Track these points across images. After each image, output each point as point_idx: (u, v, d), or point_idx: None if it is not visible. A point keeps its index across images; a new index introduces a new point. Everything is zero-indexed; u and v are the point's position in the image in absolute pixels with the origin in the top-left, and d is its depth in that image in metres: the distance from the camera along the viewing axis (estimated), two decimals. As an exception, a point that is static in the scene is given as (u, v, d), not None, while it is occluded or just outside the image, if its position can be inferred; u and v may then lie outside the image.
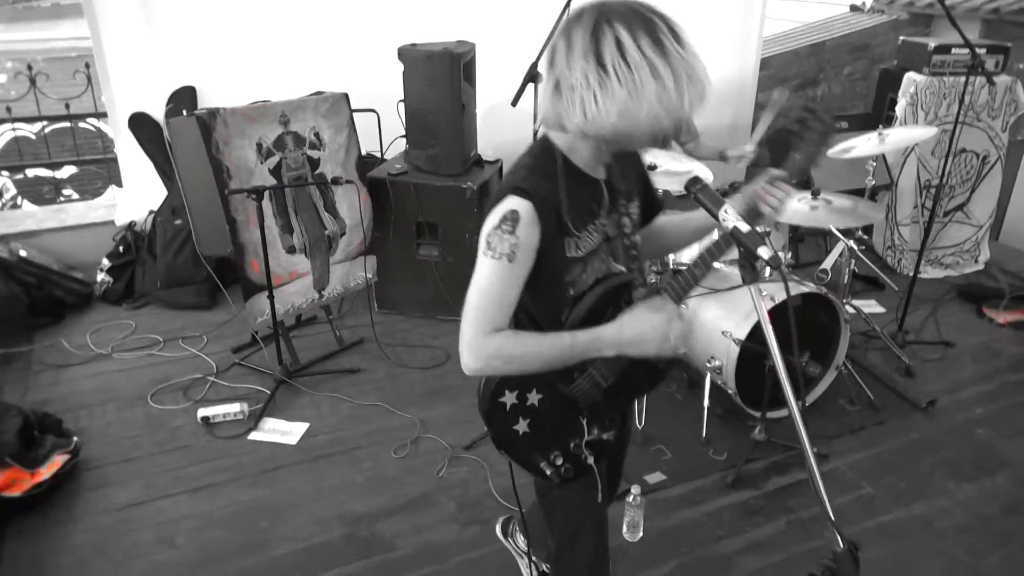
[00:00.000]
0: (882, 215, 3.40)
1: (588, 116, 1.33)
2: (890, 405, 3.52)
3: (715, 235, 1.56)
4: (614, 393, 1.63)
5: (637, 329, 1.44)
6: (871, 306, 4.42)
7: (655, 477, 3.05)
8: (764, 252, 1.31)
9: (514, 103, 2.85)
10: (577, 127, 1.37)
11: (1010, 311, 4.33)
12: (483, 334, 1.39)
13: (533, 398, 1.56)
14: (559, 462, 1.61)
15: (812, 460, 1.38)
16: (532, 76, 2.81)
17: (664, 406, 3.48)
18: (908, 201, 4.79)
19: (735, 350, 3.12)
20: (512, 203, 1.38)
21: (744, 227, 1.32)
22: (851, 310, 4.01)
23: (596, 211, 1.51)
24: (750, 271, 1.39)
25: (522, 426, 1.57)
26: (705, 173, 3.25)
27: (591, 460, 1.65)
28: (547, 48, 1.40)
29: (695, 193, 1.37)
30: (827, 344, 3.41)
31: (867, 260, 3.95)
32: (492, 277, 1.39)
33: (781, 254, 3.51)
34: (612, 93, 1.30)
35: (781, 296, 3.14)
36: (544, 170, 1.44)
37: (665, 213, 1.77)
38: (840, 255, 3.69)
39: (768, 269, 3.38)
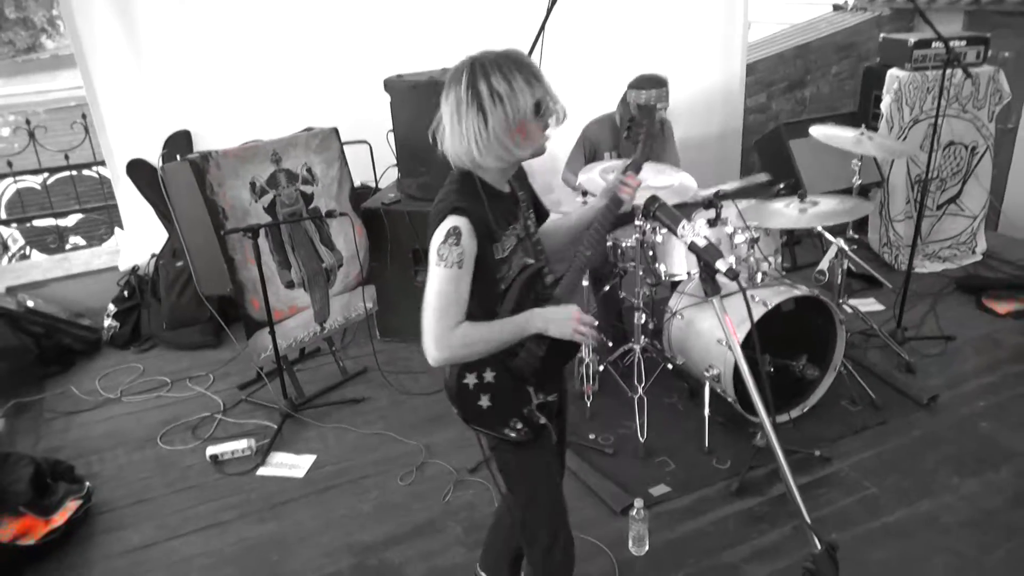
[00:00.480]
0: (872, 208, 3.42)
1: (475, 146, 1.67)
2: (892, 403, 3.53)
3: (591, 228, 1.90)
4: (547, 361, 1.89)
5: (554, 315, 1.79)
6: (870, 304, 4.43)
7: (659, 489, 3.06)
8: (721, 264, 1.35)
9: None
10: (473, 157, 1.70)
11: (1010, 300, 4.33)
12: (449, 328, 1.69)
13: (488, 376, 1.83)
14: (519, 426, 1.88)
15: (783, 464, 1.42)
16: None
17: (666, 417, 3.51)
18: (900, 197, 4.81)
19: (730, 357, 3.14)
20: (453, 220, 1.67)
21: (702, 242, 1.36)
22: (848, 310, 4.03)
23: (510, 218, 1.82)
24: (711, 283, 1.43)
25: (484, 401, 1.84)
26: (689, 182, 3.29)
27: (543, 420, 1.92)
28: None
29: (654, 211, 1.42)
30: (825, 346, 3.43)
31: (858, 259, 3.96)
32: (447, 282, 1.67)
33: (772, 259, 3.54)
34: (477, 125, 1.65)
35: (773, 301, 3.17)
36: (469, 191, 1.74)
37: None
38: (833, 256, 3.71)
39: (760, 274, 3.41)
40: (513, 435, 1.89)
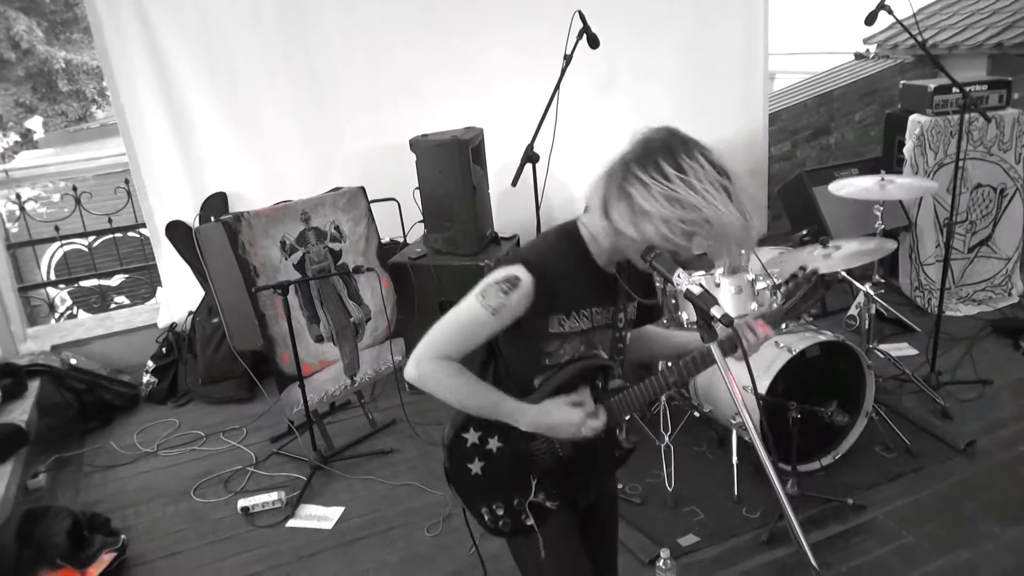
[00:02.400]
0: (894, 245, 3.41)
1: (629, 223, 1.49)
2: (927, 449, 3.45)
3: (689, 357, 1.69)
4: (571, 467, 1.71)
5: (555, 419, 1.61)
6: (903, 349, 4.37)
7: (688, 539, 3.02)
8: (716, 311, 1.38)
9: (514, 183, 2.99)
10: (615, 225, 1.51)
11: (1048, 342, 4.23)
12: (436, 356, 1.57)
13: (493, 443, 1.68)
14: (499, 512, 1.70)
15: (788, 507, 1.42)
16: (529, 157, 2.95)
17: (694, 465, 3.47)
18: (930, 240, 4.78)
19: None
20: (518, 271, 1.54)
21: (696, 289, 1.40)
22: (880, 355, 3.98)
23: (594, 299, 1.65)
24: (707, 330, 1.46)
25: (476, 466, 1.68)
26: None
27: (530, 522, 1.71)
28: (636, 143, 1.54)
29: (650, 260, 1.46)
30: (855, 392, 3.38)
31: (886, 304, 3.94)
32: (471, 319, 1.56)
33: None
34: (657, 213, 1.45)
35: (798, 347, 3.16)
36: (560, 251, 1.61)
37: (658, 324, 1.92)
38: (861, 302, 3.69)
39: (786, 323, 3.40)
40: (486, 519, 1.71)
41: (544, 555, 1.73)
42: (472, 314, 1.55)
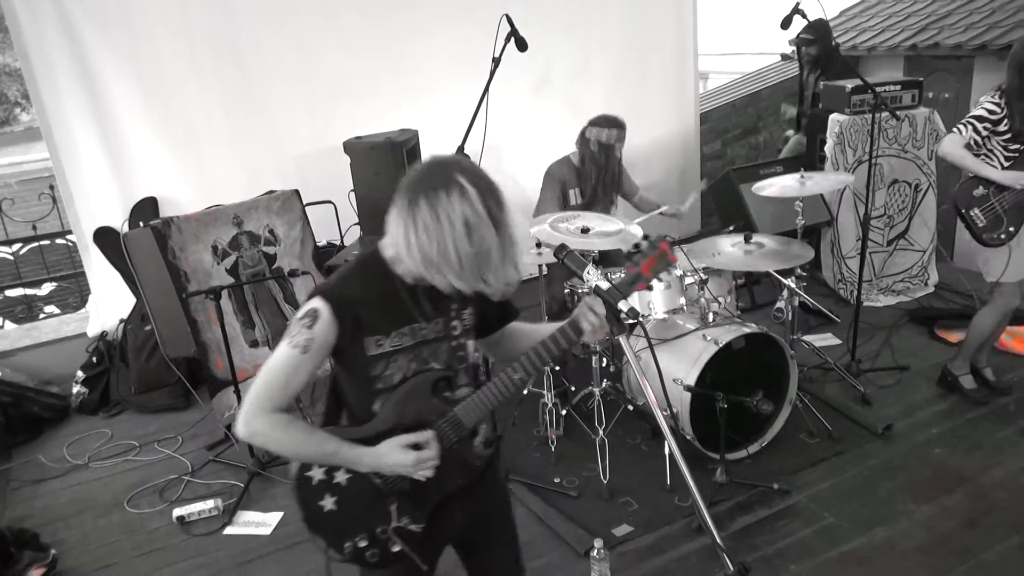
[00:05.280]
0: (811, 254, 3.56)
1: (405, 249, 1.52)
2: (848, 434, 3.61)
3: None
4: (428, 486, 1.68)
5: (390, 461, 1.60)
6: (827, 339, 4.55)
7: (622, 529, 3.11)
8: (623, 305, 1.44)
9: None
10: (400, 253, 1.55)
11: (961, 329, 4.45)
12: (262, 410, 1.56)
13: (341, 477, 1.64)
14: (363, 545, 1.65)
15: (695, 492, 1.48)
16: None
17: (629, 457, 3.56)
18: (851, 234, 4.98)
19: (687, 396, 3.23)
20: (315, 303, 1.56)
21: (605, 284, 1.46)
22: (804, 345, 4.14)
23: (411, 316, 1.64)
24: (616, 324, 1.52)
25: (328, 503, 1.64)
26: (636, 230, 3.42)
27: (397, 547, 1.67)
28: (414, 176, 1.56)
29: (562, 258, 1.51)
30: (779, 381, 3.52)
31: (808, 297, 4.10)
32: (285, 362, 1.56)
33: (724, 298, 3.65)
34: (421, 241, 1.49)
35: (724, 339, 3.27)
36: (360, 276, 1.62)
37: (519, 320, 1.91)
38: (786, 294, 3.84)
39: (712, 314, 3.52)
40: (349, 553, 1.66)
41: (425, 569, 1.71)
42: (286, 359, 1.56)
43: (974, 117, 3.41)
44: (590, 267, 1.46)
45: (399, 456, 1.59)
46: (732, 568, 1.40)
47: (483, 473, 1.79)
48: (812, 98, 5.42)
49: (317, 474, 1.63)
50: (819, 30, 5.19)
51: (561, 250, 1.49)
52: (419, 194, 1.49)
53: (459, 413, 1.68)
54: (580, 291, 3.67)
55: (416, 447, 1.61)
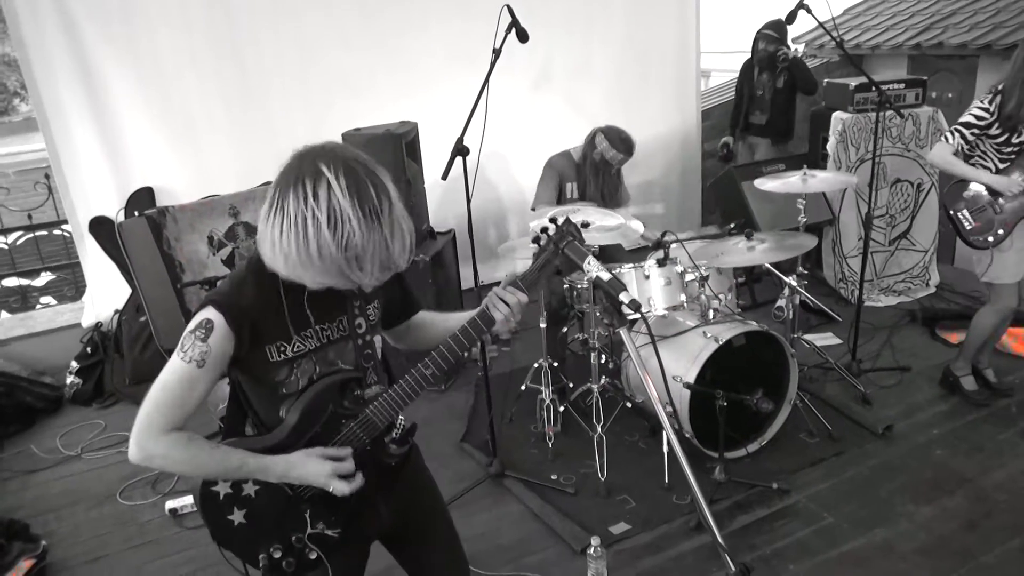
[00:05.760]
0: (814, 242, 3.54)
1: (270, 252, 1.42)
2: (848, 434, 3.58)
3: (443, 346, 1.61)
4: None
5: (303, 472, 1.53)
6: (827, 338, 4.52)
7: (620, 527, 3.07)
8: (624, 297, 1.41)
9: (444, 177, 2.99)
10: (266, 256, 1.44)
11: (962, 330, 4.42)
12: (157, 430, 1.45)
13: (249, 488, 1.56)
14: (277, 556, 1.59)
15: (696, 489, 1.45)
16: (459, 150, 2.96)
17: (626, 455, 3.53)
18: (852, 233, 4.95)
19: (686, 394, 3.19)
20: (208, 313, 1.46)
21: (605, 276, 1.42)
22: (805, 344, 4.11)
23: (312, 318, 1.56)
24: (617, 316, 1.48)
25: (237, 516, 1.56)
26: (636, 225, 3.39)
27: (315, 554, 1.62)
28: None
29: (563, 248, 1.47)
30: (780, 380, 3.48)
31: (810, 296, 4.07)
32: (181, 379, 1.46)
33: (725, 296, 3.62)
34: (285, 241, 1.38)
35: (724, 336, 3.24)
36: (252, 282, 1.50)
37: (426, 311, 1.86)
38: (787, 292, 3.80)
39: (712, 311, 3.49)
40: (263, 565, 1.59)
41: None
42: (180, 374, 1.46)
43: (962, 124, 3.41)
44: (590, 258, 1.43)
45: (314, 466, 1.52)
46: (734, 568, 1.37)
47: (400, 470, 1.74)
48: (771, 101, 5.37)
49: (223, 488, 1.55)
50: (781, 32, 5.18)
51: (562, 239, 1.45)
52: (280, 189, 1.39)
53: (371, 414, 1.61)
54: (580, 286, 3.64)
55: (331, 459, 1.54)
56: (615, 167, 4.07)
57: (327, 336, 1.58)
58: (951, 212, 3.49)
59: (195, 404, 1.49)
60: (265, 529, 1.58)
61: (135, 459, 1.46)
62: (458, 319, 1.69)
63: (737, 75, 5.70)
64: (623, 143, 3.97)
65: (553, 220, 1.58)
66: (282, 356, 1.52)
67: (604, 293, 1.44)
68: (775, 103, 5.39)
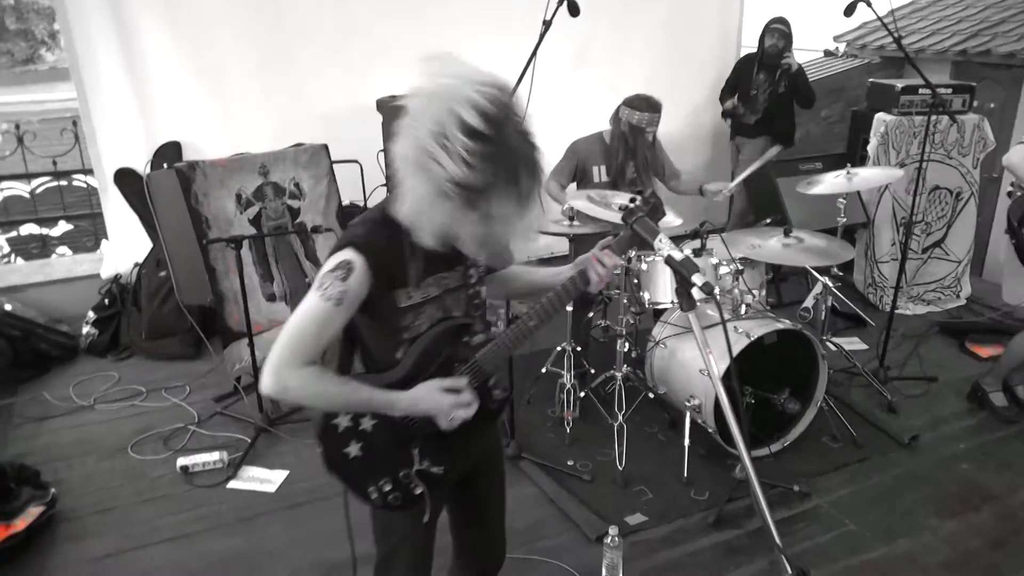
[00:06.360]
0: (852, 253, 3.45)
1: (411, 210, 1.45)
2: (873, 441, 3.51)
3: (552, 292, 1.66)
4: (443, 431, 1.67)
5: (428, 405, 1.60)
6: (854, 343, 4.43)
7: (636, 518, 3.02)
8: (697, 279, 1.34)
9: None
10: (405, 215, 1.48)
11: (992, 344, 4.34)
12: (294, 363, 1.49)
13: (367, 423, 1.63)
14: (387, 489, 1.67)
15: (756, 486, 1.38)
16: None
17: (646, 446, 3.47)
18: (886, 238, 4.85)
19: (712, 390, 3.12)
20: (348, 255, 1.49)
21: (678, 255, 1.35)
22: (832, 347, 4.03)
23: (436, 267, 1.60)
24: (686, 298, 1.42)
25: (354, 449, 1.63)
26: (670, 218, 3.30)
27: (419, 489, 1.70)
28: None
29: (632, 223, 1.41)
30: (807, 381, 3.41)
31: (843, 297, 3.98)
32: (317, 315, 1.49)
33: (756, 292, 3.54)
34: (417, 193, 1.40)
35: (756, 332, 3.17)
36: (386, 228, 1.53)
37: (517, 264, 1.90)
38: (818, 293, 3.72)
39: (744, 306, 3.41)
40: (375, 498, 1.67)
41: (427, 518, 1.73)
42: (317, 311, 1.49)
43: None
44: (662, 236, 1.35)
45: (437, 398, 1.58)
46: (791, 572, 1.30)
47: (496, 415, 1.83)
48: (765, 104, 5.14)
49: (343, 421, 1.61)
50: (789, 29, 4.99)
51: (631, 214, 1.38)
52: (412, 133, 1.38)
53: (480, 360, 1.68)
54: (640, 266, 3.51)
55: (451, 392, 1.60)
56: (647, 132, 3.92)
57: (446, 284, 1.63)
58: (1016, 225, 3.37)
59: (328, 341, 1.53)
60: (377, 463, 1.65)
61: (270, 390, 1.50)
62: (544, 274, 1.79)
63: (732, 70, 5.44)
64: (645, 102, 3.83)
65: (639, 192, 1.55)
66: (409, 302, 1.57)
67: (676, 274, 1.37)
68: (770, 107, 5.16)
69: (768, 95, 5.14)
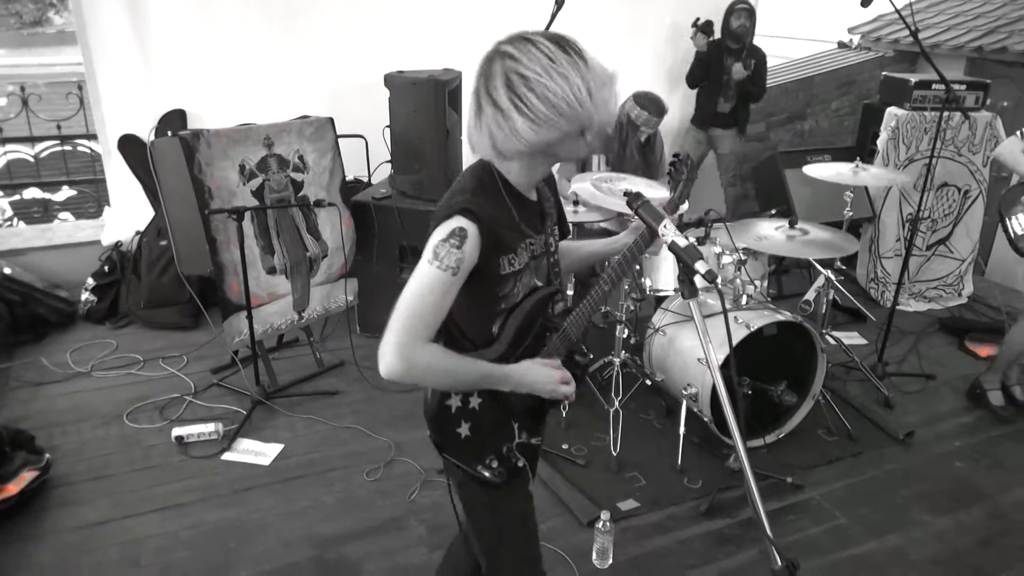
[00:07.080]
0: (856, 247, 3.42)
1: (517, 138, 1.45)
2: (868, 436, 3.51)
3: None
4: (540, 401, 1.70)
5: (535, 379, 1.60)
6: (853, 338, 4.43)
7: (628, 504, 3.02)
8: (701, 266, 1.32)
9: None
10: (513, 149, 1.48)
11: (991, 344, 4.33)
12: (419, 339, 1.44)
13: (474, 401, 1.64)
14: (495, 465, 1.68)
15: (750, 476, 1.38)
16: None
17: (640, 432, 3.47)
18: (891, 234, 4.82)
19: (710, 378, 3.12)
20: (460, 221, 1.46)
21: (682, 242, 1.34)
22: (831, 341, 4.02)
23: (528, 231, 1.61)
24: (688, 285, 1.40)
25: (464, 429, 1.64)
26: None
27: (521, 462, 1.72)
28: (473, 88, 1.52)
29: (636, 208, 1.39)
30: (804, 373, 3.41)
31: (845, 291, 3.97)
32: (435, 287, 1.45)
33: (759, 283, 3.53)
34: (524, 115, 1.42)
35: (756, 323, 3.15)
36: (487, 191, 1.54)
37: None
38: (820, 286, 3.71)
39: (745, 297, 3.39)
40: (487, 474, 1.68)
41: (532, 484, 1.78)
42: (434, 282, 1.45)
43: None
44: (667, 220, 1.34)
45: (545, 373, 1.60)
46: (780, 563, 1.30)
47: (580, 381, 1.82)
48: (736, 90, 4.99)
49: (455, 402, 1.62)
50: (754, 12, 4.87)
51: (636, 199, 1.36)
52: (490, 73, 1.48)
53: (568, 327, 1.68)
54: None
55: (555, 368, 1.62)
56: (645, 131, 3.91)
57: (534, 251, 1.64)
58: (1004, 215, 3.36)
59: (444, 316, 1.49)
60: (485, 440, 1.67)
61: (395, 372, 1.43)
62: (600, 244, 1.86)
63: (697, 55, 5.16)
64: (652, 103, 3.83)
65: (676, 155, 1.65)
66: (511, 268, 1.56)
67: (679, 260, 1.35)
68: (739, 93, 5.03)
69: (739, 80, 4.98)
